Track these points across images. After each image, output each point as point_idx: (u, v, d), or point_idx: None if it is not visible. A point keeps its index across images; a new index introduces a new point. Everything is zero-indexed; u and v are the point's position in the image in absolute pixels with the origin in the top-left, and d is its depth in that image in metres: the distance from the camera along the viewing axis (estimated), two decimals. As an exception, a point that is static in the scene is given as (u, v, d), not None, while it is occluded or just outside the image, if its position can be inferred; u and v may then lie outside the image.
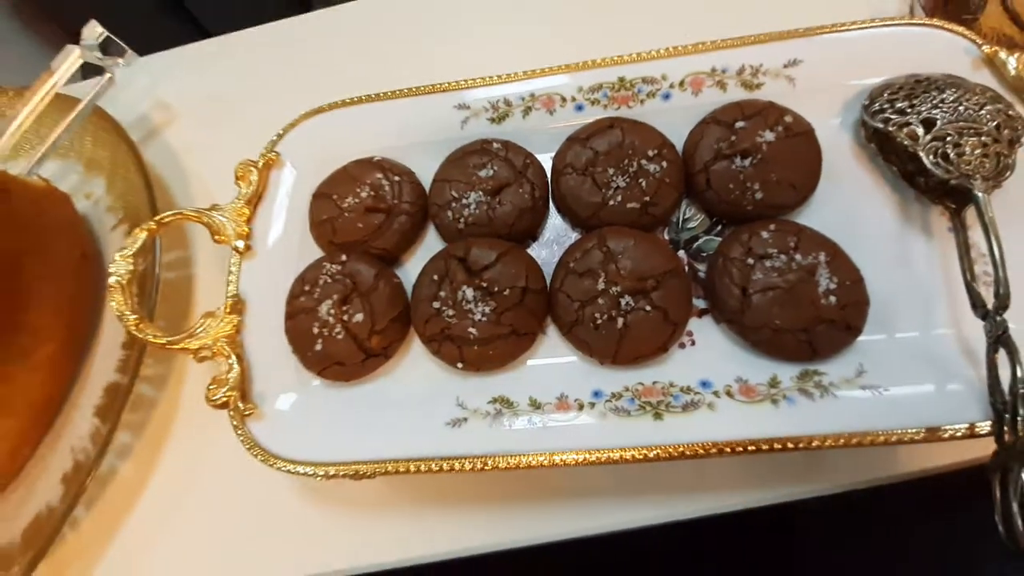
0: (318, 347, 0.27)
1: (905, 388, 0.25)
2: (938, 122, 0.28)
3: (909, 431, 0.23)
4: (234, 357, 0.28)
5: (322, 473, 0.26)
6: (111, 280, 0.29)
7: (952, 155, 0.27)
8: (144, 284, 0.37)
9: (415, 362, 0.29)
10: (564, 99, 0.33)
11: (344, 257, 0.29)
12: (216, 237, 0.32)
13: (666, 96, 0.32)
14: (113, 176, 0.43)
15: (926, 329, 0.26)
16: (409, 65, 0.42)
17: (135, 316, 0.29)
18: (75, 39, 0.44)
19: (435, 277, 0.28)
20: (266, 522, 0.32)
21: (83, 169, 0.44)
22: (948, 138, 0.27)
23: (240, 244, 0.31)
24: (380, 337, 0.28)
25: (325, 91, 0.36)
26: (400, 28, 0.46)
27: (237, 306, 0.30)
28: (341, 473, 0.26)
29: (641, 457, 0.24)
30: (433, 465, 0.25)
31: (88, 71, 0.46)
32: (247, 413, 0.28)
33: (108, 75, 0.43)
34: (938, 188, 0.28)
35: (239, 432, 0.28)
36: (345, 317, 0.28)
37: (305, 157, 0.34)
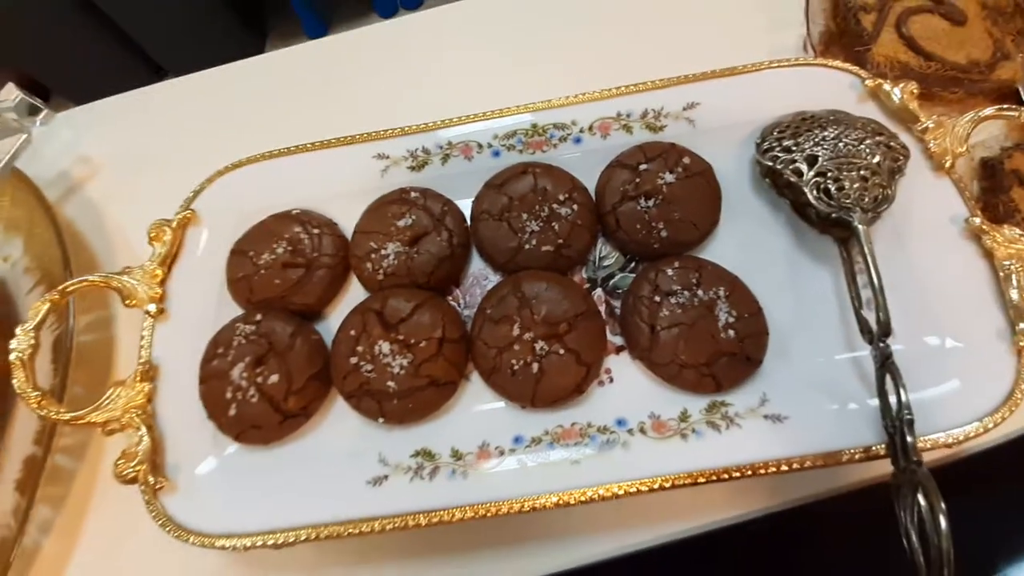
0: (232, 411, 0.27)
1: (806, 414, 0.26)
2: (820, 159, 0.30)
3: (808, 457, 0.24)
4: (144, 428, 0.27)
5: (240, 546, 0.25)
6: (12, 357, 0.27)
7: (833, 190, 0.29)
8: (58, 350, 0.35)
9: (338, 419, 0.29)
10: (481, 146, 0.34)
11: (259, 316, 0.29)
12: (127, 301, 0.31)
13: (577, 140, 0.34)
14: (30, 237, 0.41)
15: (824, 355, 0.28)
16: (331, 117, 0.43)
17: (37, 393, 0.27)
18: (17, 76, 0.43)
19: (352, 332, 0.28)
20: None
21: (1, 230, 0.43)
22: (829, 174, 0.29)
23: (152, 307, 0.30)
24: (297, 397, 0.27)
25: (252, 141, 0.36)
26: (320, 84, 0.47)
27: (149, 373, 0.29)
28: (260, 544, 0.25)
29: (560, 503, 0.24)
30: (353, 528, 0.25)
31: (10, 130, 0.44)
32: (158, 487, 0.26)
33: (24, 136, 0.41)
34: (826, 220, 0.30)
35: (150, 507, 0.26)
36: (260, 379, 0.27)
37: (223, 213, 0.34)
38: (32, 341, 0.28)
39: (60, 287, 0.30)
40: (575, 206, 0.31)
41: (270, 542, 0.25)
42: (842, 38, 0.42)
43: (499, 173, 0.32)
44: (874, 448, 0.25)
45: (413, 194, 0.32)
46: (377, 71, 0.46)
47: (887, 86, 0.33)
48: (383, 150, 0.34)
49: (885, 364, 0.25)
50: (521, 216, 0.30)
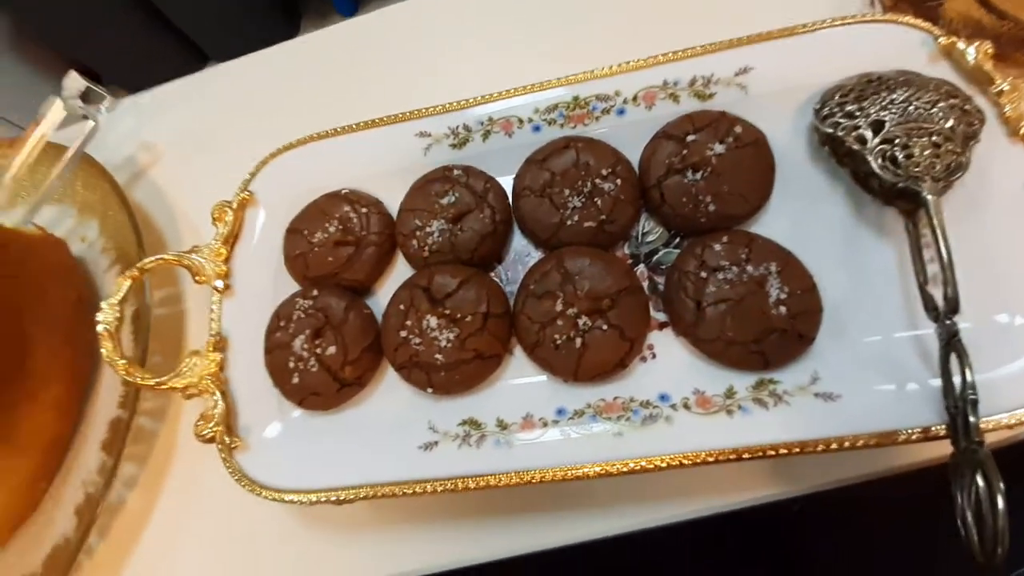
0: (295, 380, 0.29)
1: (860, 393, 0.25)
2: (887, 124, 0.28)
3: (862, 436, 0.24)
4: (219, 393, 0.30)
5: (307, 500, 0.28)
6: (99, 328, 0.30)
7: (900, 158, 0.27)
8: (138, 323, 0.39)
9: (389, 389, 0.30)
10: (521, 121, 0.34)
11: (316, 292, 0.30)
12: (197, 278, 0.33)
13: (620, 112, 0.33)
14: (105, 219, 0.45)
15: (883, 333, 0.27)
16: (375, 97, 0.43)
17: (124, 361, 0.30)
18: (73, 65, 0.46)
19: (401, 307, 0.29)
20: (263, 545, 0.34)
21: (77, 213, 0.46)
22: (897, 140, 0.27)
23: (219, 284, 0.33)
24: (353, 367, 0.29)
25: (298, 122, 0.37)
26: (366, 64, 0.47)
27: (220, 344, 0.32)
28: (324, 499, 0.28)
29: (603, 472, 0.25)
30: (407, 489, 0.27)
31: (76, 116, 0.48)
32: (233, 446, 0.29)
33: (92, 123, 0.44)
34: (890, 191, 0.28)
35: (227, 465, 0.29)
36: (318, 350, 0.29)
37: (277, 194, 0.35)
38: (117, 314, 0.31)
39: (139, 264, 0.33)
40: (618, 180, 0.30)
41: (333, 498, 0.27)
42: (913, -5, 0.38)
43: (540, 148, 0.32)
44: (934, 428, 0.24)
45: (455, 172, 0.32)
46: (415, 48, 0.46)
47: (961, 45, 0.29)
48: (425, 128, 0.34)
49: (951, 343, 0.24)
50: (563, 192, 0.30)
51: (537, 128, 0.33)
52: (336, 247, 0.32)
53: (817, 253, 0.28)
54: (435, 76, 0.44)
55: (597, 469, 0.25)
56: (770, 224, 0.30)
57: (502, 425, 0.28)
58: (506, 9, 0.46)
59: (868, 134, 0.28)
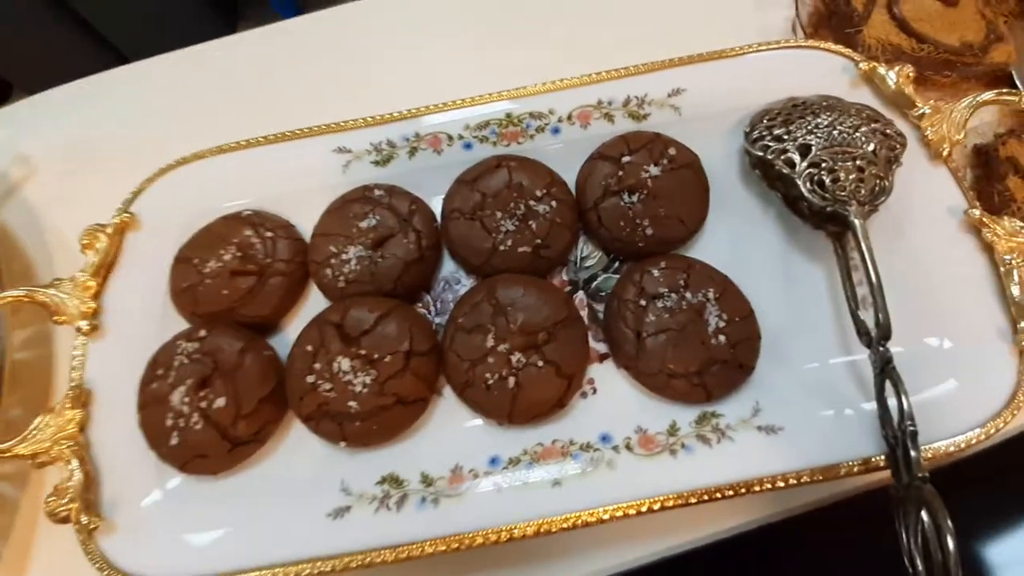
0: (174, 440, 0.24)
1: (801, 424, 0.24)
2: (813, 148, 0.28)
3: (805, 472, 0.23)
4: (75, 461, 0.24)
5: (188, 589, 0.23)
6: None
7: (827, 181, 0.27)
8: (-11, 370, 0.32)
9: (296, 444, 0.26)
10: (451, 137, 0.31)
11: (203, 332, 0.26)
12: (56, 318, 0.27)
13: (555, 130, 0.31)
14: (-43, 244, 0.37)
15: (820, 359, 0.26)
16: (287, 108, 0.39)
17: (-52, 425, 0.24)
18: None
19: (309, 348, 0.25)
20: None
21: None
22: (823, 164, 0.27)
23: (84, 324, 0.27)
24: (248, 421, 0.25)
25: (204, 135, 0.32)
26: (279, 72, 0.43)
27: (81, 398, 0.26)
28: (210, 586, 0.23)
29: (541, 531, 0.22)
30: (311, 568, 0.22)
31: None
32: (92, 527, 0.24)
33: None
34: (819, 214, 0.28)
35: (87, 550, 0.24)
36: (203, 403, 0.24)
37: (167, 217, 0.30)
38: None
39: (-24, 304, 0.26)
40: (554, 202, 0.28)
41: (222, 584, 0.23)
42: (831, 20, 0.40)
43: (471, 168, 0.30)
44: (874, 460, 0.23)
45: (377, 192, 0.29)
46: (341, 57, 0.43)
47: (882, 69, 0.31)
48: (345, 143, 0.31)
49: (885, 370, 0.24)
50: (495, 214, 0.28)
51: (468, 146, 0.31)
52: (233, 277, 0.27)
53: (753, 278, 0.27)
54: (358, 88, 0.40)
55: (535, 527, 0.22)
56: (705, 248, 0.29)
57: (427, 481, 0.24)
58: (439, 22, 0.44)
59: (796, 157, 0.28)
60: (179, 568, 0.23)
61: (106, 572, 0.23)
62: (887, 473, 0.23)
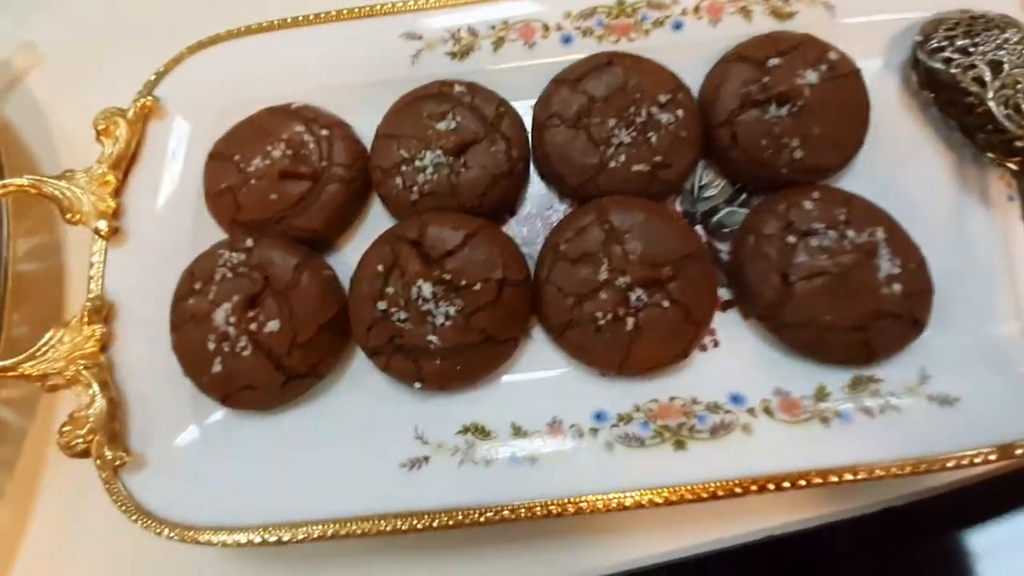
0: (217, 368, 0.20)
1: (977, 395, 0.20)
2: (1006, 66, 0.22)
3: (982, 451, 0.19)
4: (95, 385, 0.20)
5: (232, 542, 0.19)
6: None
7: (1027, 104, 0.21)
8: (-8, 280, 0.27)
9: (358, 382, 0.22)
10: (547, 28, 0.25)
11: (250, 242, 0.21)
12: (68, 216, 0.23)
13: (677, 25, 0.25)
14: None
15: (993, 319, 0.22)
16: None
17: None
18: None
19: (380, 268, 0.21)
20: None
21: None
22: (1019, 84, 0.22)
23: (103, 225, 0.22)
24: (305, 352, 0.20)
25: (234, 14, 0.27)
26: None
27: (101, 312, 0.22)
28: (260, 540, 0.19)
29: (662, 501, 0.18)
30: (386, 525, 0.19)
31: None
32: (118, 463, 0.20)
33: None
34: (1002, 146, 0.22)
35: (110, 490, 0.20)
36: (253, 326, 0.20)
37: (199, 104, 0.25)
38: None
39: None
40: (679, 112, 0.23)
41: (271, 539, 0.19)
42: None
43: (574, 65, 0.24)
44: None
45: (457, 88, 0.24)
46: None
47: None
48: (414, 27, 0.25)
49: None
50: (606, 123, 0.23)
51: (568, 39, 0.25)
52: (283, 181, 0.23)
53: (916, 220, 0.22)
54: None
55: (658, 497, 0.18)
56: (858, 181, 0.24)
57: (519, 433, 0.20)
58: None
59: (987, 74, 0.22)
60: (220, 516, 0.20)
61: (134, 515, 0.20)
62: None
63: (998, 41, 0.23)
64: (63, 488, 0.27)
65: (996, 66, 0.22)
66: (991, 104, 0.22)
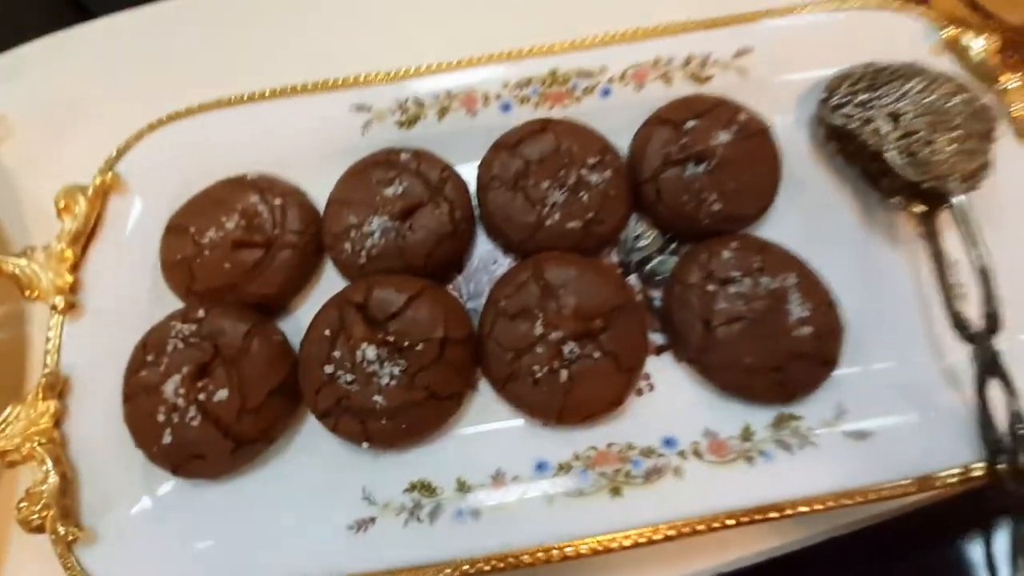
0: (167, 439, 0.20)
1: (890, 429, 0.21)
2: (905, 116, 0.24)
3: (901, 484, 0.20)
4: (49, 461, 0.21)
5: (182, 611, 0.19)
6: None
7: (923, 154, 0.23)
8: (-49, 352, 0.28)
9: (308, 445, 0.23)
10: (487, 97, 0.27)
11: (202, 312, 0.22)
12: (27, 292, 0.24)
13: (605, 92, 0.27)
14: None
15: (904, 355, 0.23)
16: (297, 57, 0.34)
17: None
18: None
19: (327, 332, 0.22)
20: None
21: None
22: (918, 134, 0.24)
23: (59, 301, 0.23)
24: (254, 417, 0.21)
25: (196, 89, 0.28)
26: (285, 14, 0.38)
27: (56, 387, 0.22)
28: (209, 608, 0.19)
29: (600, 548, 0.19)
30: (331, 588, 0.19)
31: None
32: (71, 538, 0.20)
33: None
34: (906, 190, 0.25)
35: (65, 564, 0.20)
36: (202, 396, 0.21)
37: (158, 179, 0.26)
38: None
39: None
40: (607, 172, 0.25)
41: (223, 607, 0.19)
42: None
43: (512, 131, 0.26)
44: (973, 470, 0.20)
45: (403, 156, 0.26)
46: (351, 7, 0.38)
47: (966, 38, 0.27)
48: (364, 100, 0.27)
49: (990, 367, 0.21)
50: (541, 184, 0.24)
51: (507, 107, 0.27)
52: (237, 249, 0.24)
53: (827, 263, 0.24)
54: (380, 36, 0.35)
55: (592, 545, 0.19)
56: (775, 228, 0.26)
57: (464, 487, 0.21)
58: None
59: (885, 127, 0.24)
60: (173, 586, 0.20)
61: (87, 591, 0.20)
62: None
63: (900, 92, 0.25)
64: (27, 559, 0.27)
65: (895, 117, 0.25)
66: (888, 155, 0.24)
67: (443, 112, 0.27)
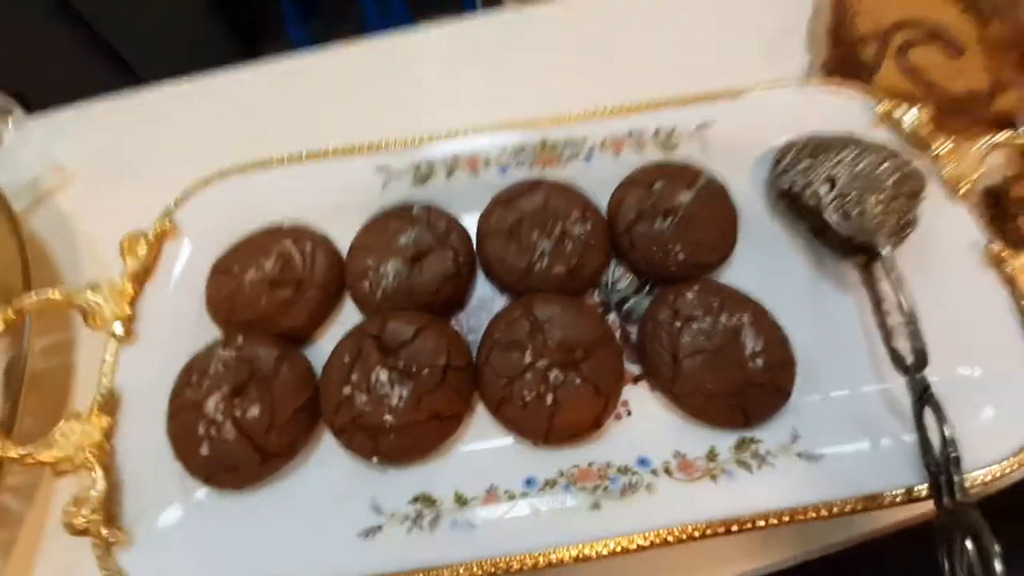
0: (204, 451, 0.23)
1: (840, 452, 0.24)
2: (839, 181, 0.29)
3: (849, 501, 0.22)
4: (99, 470, 0.24)
5: (206, 611, 0.22)
6: (-57, 384, 0.24)
7: (855, 213, 0.28)
8: (10, 376, 0.31)
9: (326, 459, 0.25)
10: (488, 160, 0.32)
11: (240, 340, 0.26)
12: (91, 321, 0.27)
13: (588, 157, 0.32)
14: (-11, 249, 0.37)
15: (854, 387, 0.26)
16: (327, 125, 0.41)
17: (-29, 427, 0.24)
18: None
19: (347, 358, 0.25)
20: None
21: (-43, 241, 0.39)
22: (850, 196, 0.28)
23: (118, 328, 0.27)
24: (281, 432, 0.24)
25: (242, 151, 0.34)
26: (324, 88, 0.45)
27: (109, 404, 0.26)
28: (230, 608, 0.22)
29: (580, 556, 0.22)
30: (340, 589, 0.21)
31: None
32: (113, 541, 0.23)
33: (-10, 138, 0.38)
34: (847, 245, 0.29)
35: (103, 567, 0.23)
36: (237, 412, 0.24)
37: (207, 227, 0.31)
38: (-25, 366, 0.25)
39: (14, 305, 0.26)
40: (588, 225, 0.29)
41: (243, 607, 0.21)
42: (844, 69, 0.42)
43: (507, 189, 0.31)
44: (916, 490, 0.23)
45: (415, 210, 0.30)
46: (375, 85, 0.45)
47: (898, 111, 0.32)
48: (385, 162, 0.32)
49: (923, 397, 0.24)
50: (531, 234, 0.29)
51: (504, 169, 0.32)
52: (272, 288, 0.28)
53: (783, 305, 0.27)
54: (395, 115, 0.42)
55: (574, 552, 0.22)
56: (736, 275, 0.29)
57: (461, 500, 0.24)
58: (473, 53, 0.46)
59: (823, 190, 0.29)
60: (200, 587, 0.22)
61: (121, 590, 0.22)
62: (926, 506, 0.23)
63: (836, 159, 0.30)
64: (53, 566, 0.29)
65: (832, 181, 0.29)
66: (825, 214, 0.28)
67: (450, 172, 0.32)
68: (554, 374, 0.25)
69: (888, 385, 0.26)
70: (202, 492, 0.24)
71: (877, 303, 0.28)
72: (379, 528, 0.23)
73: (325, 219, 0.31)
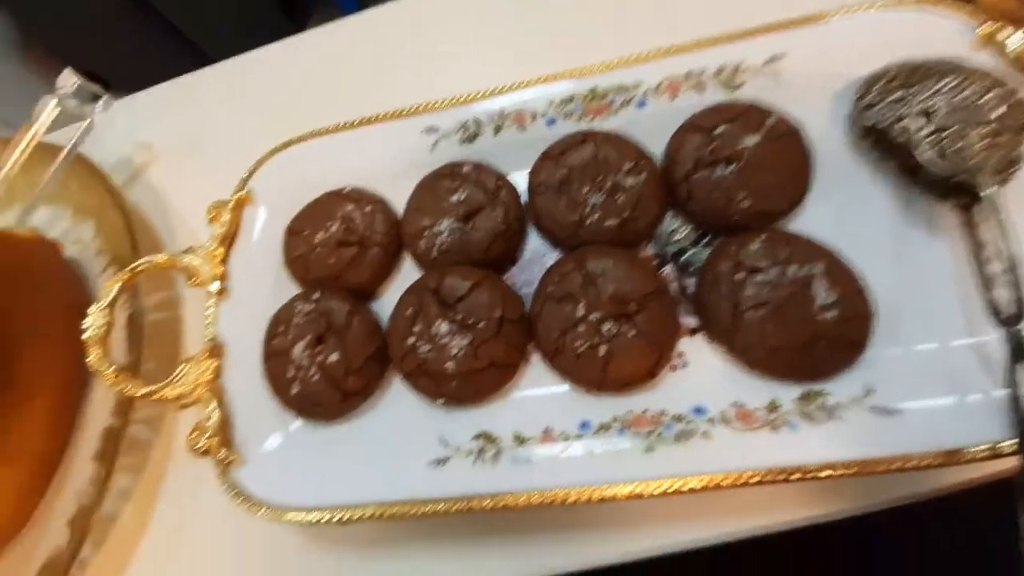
0: (295, 390, 0.27)
1: (919, 407, 0.23)
2: (937, 113, 0.25)
3: (926, 456, 0.21)
4: (214, 402, 0.28)
5: (307, 520, 0.25)
6: (86, 335, 0.28)
7: (953, 150, 0.24)
8: (131, 329, 0.37)
9: (397, 398, 0.28)
10: (535, 115, 0.32)
11: (317, 295, 0.28)
12: (192, 280, 0.31)
13: (641, 104, 0.31)
14: (100, 220, 0.43)
15: (940, 339, 0.24)
16: (377, 91, 0.41)
17: (112, 369, 0.28)
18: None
19: (409, 311, 0.27)
20: (262, 564, 0.32)
21: (71, 215, 0.45)
22: (949, 130, 0.25)
23: (215, 286, 0.31)
24: (357, 376, 0.27)
25: (308, 118, 0.35)
26: (370, 52, 0.45)
27: (215, 350, 0.30)
28: (326, 519, 0.25)
29: (633, 494, 0.23)
30: (418, 509, 0.24)
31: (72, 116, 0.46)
32: (229, 460, 0.27)
33: (87, 121, 0.43)
34: (943, 185, 0.25)
35: (223, 481, 0.27)
36: (320, 357, 0.27)
37: (277, 192, 0.33)
38: (105, 319, 0.29)
39: (130, 267, 0.31)
40: (641, 176, 0.28)
41: (336, 517, 0.25)
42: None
43: (556, 143, 0.30)
44: (1001, 445, 0.21)
45: (465, 168, 0.31)
46: (421, 43, 0.45)
47: (1004, 34, 0.27)
48: (432, 123, 0.32)
49: (1017, 350, 0.22)
50: (582, 188, 0.28)
51: (552, 122, 0.31)
52: (338, 248, 0.30)
53: (864, 253, 0.25)
54: (443, 72, 0.42)
55: (627, 490, 0.23)
56: (810, 222, 0.27)
57: (520, 439, 0.25)
58: (520, 4, 0.44)
59: (916, 125, 0.26)
60: (298, 499, 0.26)
61: (239, 500, 0.27)
62: (1003, 465, 0.21)
63: (933, 89, 0.26)
64: (178, 489, 0.36)
65: (927, 114, 0.26)
66: (918, 152, 0.25)
67: (498, 129, 0.32)
68: (607, 326, 0.25)
69: (980, 338, 0.24)
70: (297, 423, 0.28)
71: (977, 249, 0.25)
72: (447, 459, 0.25)
73: (380, 181, 0.33)
